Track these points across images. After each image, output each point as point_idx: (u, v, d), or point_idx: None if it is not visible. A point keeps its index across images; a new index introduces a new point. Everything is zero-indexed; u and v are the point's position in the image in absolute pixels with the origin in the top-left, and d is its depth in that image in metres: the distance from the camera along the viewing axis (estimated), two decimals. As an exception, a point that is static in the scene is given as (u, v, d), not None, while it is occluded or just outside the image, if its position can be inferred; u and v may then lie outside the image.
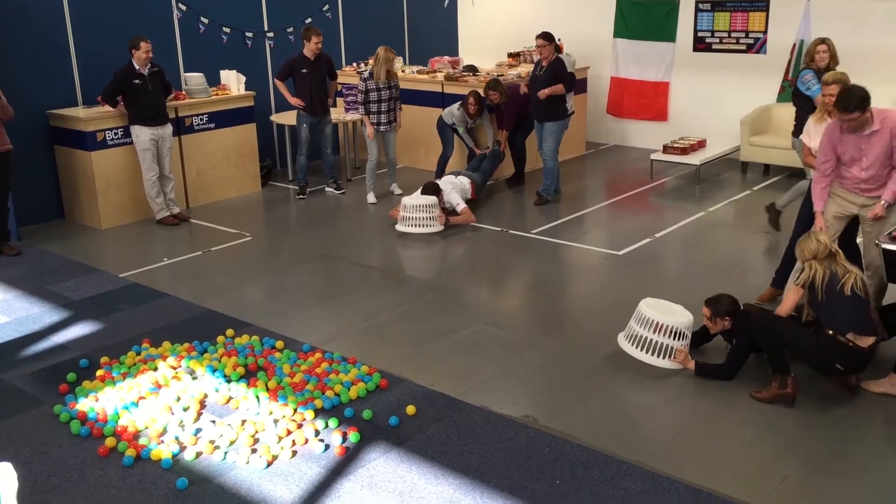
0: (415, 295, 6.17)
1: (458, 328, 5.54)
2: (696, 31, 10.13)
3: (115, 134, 7.83)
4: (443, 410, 4.50)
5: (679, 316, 4.98)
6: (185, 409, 4.54)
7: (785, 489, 3.78)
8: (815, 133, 5.44)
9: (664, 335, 4.90)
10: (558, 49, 8.26)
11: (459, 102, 8.66)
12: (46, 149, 7.99)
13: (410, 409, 4.47)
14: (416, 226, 7.50)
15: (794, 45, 9.35)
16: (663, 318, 4.92)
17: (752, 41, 9.75)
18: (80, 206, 8.05)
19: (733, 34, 9.86)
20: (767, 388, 4.52)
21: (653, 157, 9.56)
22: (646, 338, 4.95)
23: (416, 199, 7.58)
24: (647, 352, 4.94)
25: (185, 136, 8.42)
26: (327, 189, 9.09)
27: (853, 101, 4.75)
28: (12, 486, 2.11)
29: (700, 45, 10.15)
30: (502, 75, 9.59)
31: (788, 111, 9.34)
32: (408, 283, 6.47)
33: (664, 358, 4.91)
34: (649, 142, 10.62)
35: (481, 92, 8.60)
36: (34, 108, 7.77)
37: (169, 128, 7.94)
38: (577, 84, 8.62)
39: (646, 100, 10.73)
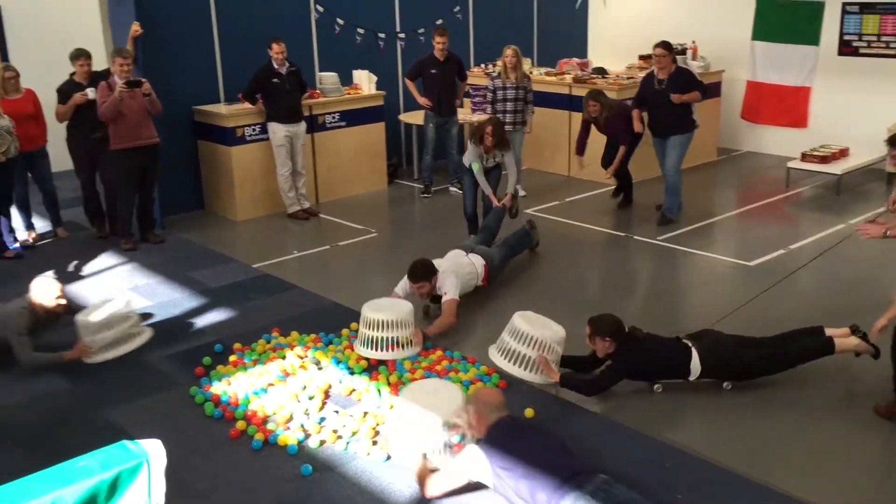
0: (537, 297, 6.14)
1: (579, 336, 5.47)
2: (842, 35, 9.62)
3: (254, 130, 8.18)
4: (561, 414, 4.47)
5: (548, 331, 4.77)
6: (311, 399, 4.69)
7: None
8: None
9: (535, 349, 4.70)
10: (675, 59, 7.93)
11: (476, 138, 7.05)
12: (190, 142, 8.44)
13: (529, 412, 4.46)
14: (380, 347, 5.10)
15: (952, 49, 8.75)
16: (535, 331, 4.71)
17: (904, 45, 9.18)
18: (219, 197, 8.46)
19: (883, 38, 9.30)
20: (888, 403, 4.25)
21: (790, 164, 9.15)
22: (517, 351, 4.74)
23: (382, 309, 5.19)
24: (518, 365, 4.74)
25: (318, 134, 8.71)
26: (451, 188, 9.18)
27: None
28: (161, 462, 2.25)
29: (846, 48, 9.64)
30: (632, 78, 9.42)
31: (943, 120, 8.80)
32: (530, 285, 6.45)
33: (534, 372, 4.71)
34: (786, 149, 10.16)
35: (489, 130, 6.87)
36: (180, 103, 8.21)
37: (303, 125, 8.23)
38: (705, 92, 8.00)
39: (784, 105, 10.28)
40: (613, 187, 8.56)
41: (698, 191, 8.82)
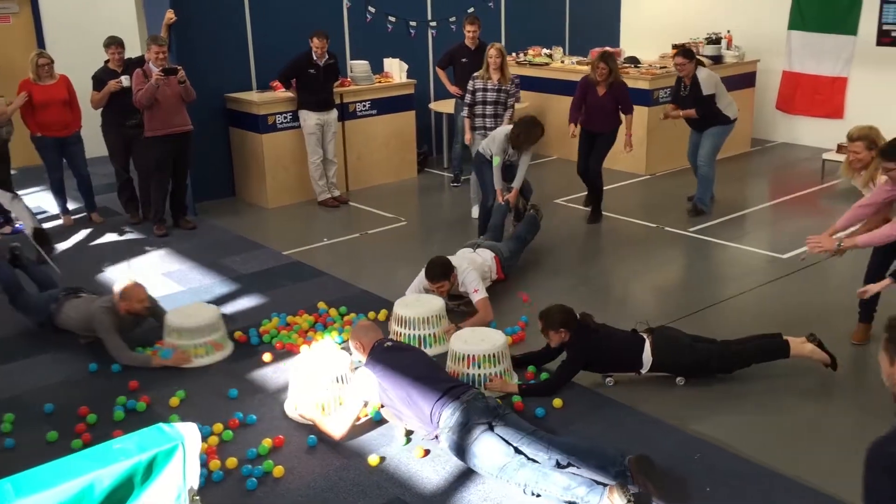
0: (567, 287, 6.13)
1: (608, 324, 5.45)
2: (880, 24, 9.44)
3: (285, 118, 8.22)
4: (590, 406, 4.47)
5: (487, 343, 4.59)
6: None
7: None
8: None
9: (482, 365, 4.53)
10: (700, 62, 7.83)
11: (510, 126, 6.94)
12: (222, 130, 8.51)
13: (557, 402, 4.46)
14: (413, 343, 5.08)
15: None
16: (473, 349, 4.55)
17: (945, 35, 8.99)
18: (250, 184, 8.53)
19: (924, 27, 9.13)
20: None
21: (825, 156, 9.02)
22: (467, 374, 4.54)
23: (413, 304, 5.23)
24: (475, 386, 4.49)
25: (349, 122, 8.73)
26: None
27: None
28: (196, 445, 2.28)
29: (885, 38, 9.46)
30: (665, 67, 9.32)
31: (984, 112, 8.62)
32: (560, 275, 6.43)
33: (483, 389, 4.47)
34: (821, 140, 10.02)
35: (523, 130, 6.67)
36: (213, 91, 8.27)
37: (334, 113, 8.25)
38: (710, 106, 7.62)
39: (821, 96, 10.13)
40: (587, 203, 7.97)
41: (731, 182, 8.73)
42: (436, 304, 5.20)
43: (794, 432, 4.23)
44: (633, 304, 5.93)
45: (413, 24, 9.75)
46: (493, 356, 4.58)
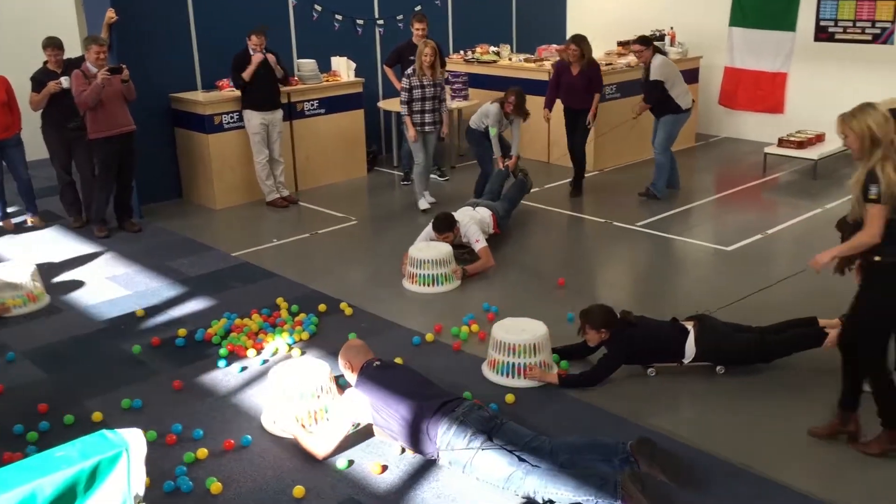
0: (517, 283, 6.17)
1: (559, 319, 5.51)
2: (818, 20, 9.69)
3: (231, 117, 8.12)
4: (543, 401, 4.50)
5: (527, 333, 4.70)
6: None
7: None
8: None
9: (520, 355, 4.64)
10: (659, 50, 8.11)
11: (496, 101, 7.80)
12: (167, 130, 8.37)
13: (510, 398, 4.49)
14: (427, 284, 6.07)
15: (926, 35, 8.84)
16: (512, 337, 4.67)
17: (878, 31, 9.25)
18: (197, 186, 8.40)
19: (858, 24, 9.38)
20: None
21: (767, 150, 9.23)
22: (506, 362, 4.68)
23: (426, 249, 6.19)
24: (513, 377, 4.65)
25: (297, 121, 8.66)
26: (431, 175, 9.16)
27: None
28: (142, 451, 2.24)
29: (822, 34, 9.71)
30: (610, 64, 9.44)
31: (917, 105, 8.89)
32: (509, 271, 6.47)
33: (522, 377, 4.64)
34: (763, 135, 10.25)
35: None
36: (157, 91, 8.13)
37: (279, 113, 8.17)
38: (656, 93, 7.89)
39: (761, 91, 10.35)
40: (571, 178, 8.51)
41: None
42: (445, 248, 6.18)
43: (742, 423, 4.32)
44: (586, 297, 5.99)
45: (360, 22, 9.71)
46: (534, 346, 4.67)
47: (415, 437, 3.89)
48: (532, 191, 8.10)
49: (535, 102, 9.49)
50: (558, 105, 8.33)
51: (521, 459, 3.68)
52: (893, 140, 3.68)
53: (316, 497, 3.75)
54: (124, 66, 7.10)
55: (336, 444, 4.01)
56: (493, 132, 7.74)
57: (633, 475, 3.52)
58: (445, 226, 6.40)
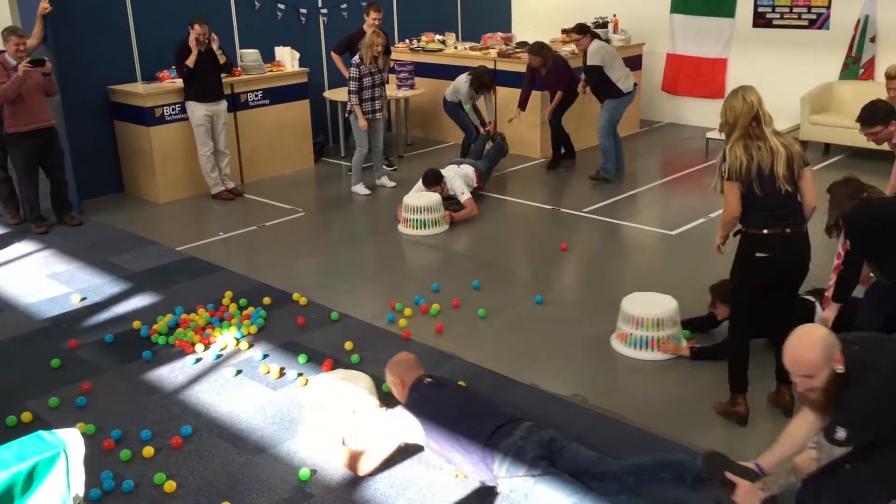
0: (465, 273, 6.18)
1: (508, 306, 5.54)
2: (756, 7, 9.86)
3: (173, 110, 7.96)
4: (493, 388, 4.52)
5: (658, 307, 4.86)
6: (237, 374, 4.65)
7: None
8: None
9: (649, 329, 4.80)
10: (598, 36, 8.38)
11: (466, 76, 8.61)
12: (107, 124, 8.17)
13: (461, 384, 4.50)
14: (419, 227, 6.95)
15: (859, 21, 9.05)
16: (643, 311, 4.82)
17: (814, 17, 9.46)
18: (139, 180, 8.23)
19: (795, 9, 9.58)
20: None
21: (708, 135, 9.38)
22: (639, 336, 4.83)
23: (418, 197, 7.05)
24: (636, 348, 4.84)
25: (241, 113, 8.53)
26: (383, 166, 9.12)
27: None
28: (80, 451, 2.19)
29: (760, 20, 9.89)
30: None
31: (850, 89, 9.12)
32: (458, 261, 6.48)
33: (654, 350, 4.81)
34: (705, 120, 10.40)
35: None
36: (95, 83, 7.94)
37: (223, 104, 8.04)
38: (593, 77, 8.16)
39: (703, 77, 10.52)
40: (549, 160, 8.94)
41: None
42: (435, 197, 7.03)
43: (689, 404, 4.40)
44: (533, 283, 6.04)
45: (304, 11, 9.59)
46: (662, 321, 4.80)
47: (471, 464, 3.61)
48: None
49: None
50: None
51: (584, 485, 3.43)
52: (755, 118, 3.93)
53: (266, 491, 3.72)
54: (46, 59, 6.90)
55: (379, 462, 3.79)
56: (466, 107, 8.67)
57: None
58: (433, 179, 7.20)
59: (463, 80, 8.62)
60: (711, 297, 4.92)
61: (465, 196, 7.25)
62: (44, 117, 7.01)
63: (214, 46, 7.72)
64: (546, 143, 9.27)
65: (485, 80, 8.58)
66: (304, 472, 3.80)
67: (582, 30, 8.15)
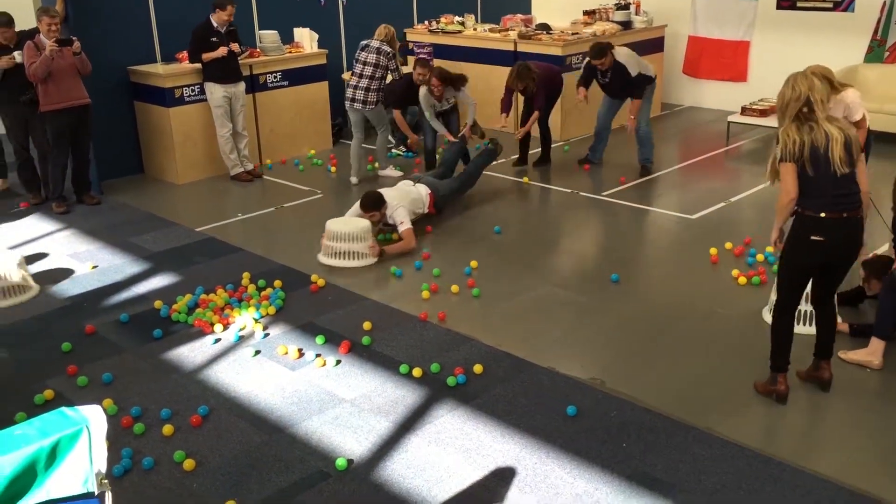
0: (483, 255, 6.16)
1: (527, 289, 5.53)
2: (780, -12, 9.75)
3: (192, 90, 7.97)
4: (510, 371, 4.52)
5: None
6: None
7: (857, 461, 3.71)
8: None
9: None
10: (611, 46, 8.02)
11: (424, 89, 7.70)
12: (126, 104, 8.19)
13: (478, 368, 4.50)
14: (340, 257, 6.01)
15: (885, 3, 8.91)
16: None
17: (840, -1, 9.33)
18: (158, 160, 8.26)
19: (820, -9, 9.45)
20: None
21: (730, 119, 9.29)
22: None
23: (343, 223, 6.12)
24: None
25: (259, 94, 8.53)
26: (394, 150, 9.10)
27: None
28: (102, 427, 2.21)
29: (784, 2, 9.75)
30: (576, 33, 9.41)
31: (876, 72, 8.99)
32: (476, 243, 6.46)
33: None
34: (727, 103, 10.30)
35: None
36: (115, 64, 7.96)
37: (242, 85, 8.04)
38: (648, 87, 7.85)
39: (725, 60, 10.40)
40: (518, 156, 8.41)
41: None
42: (362, 224, 6.10)
43: (705, 387, 4.38)
44: (551, 267, 6.02)
45: (323, -8, 9.56)
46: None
47: None
48: (498, 161, 8.09)
49: (500, 73, 9.38)
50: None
51: None
52: (806, 104, 3.89)
53: (285, 470, 3.74)
54: (75, 38, 6.93)
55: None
56: (427, 115, 7.76)
57: None
58: (371, 204, 6.23)
59: (420, 90, 7.73)
60: (864, 273, 4.89)
61: (403, 227, 6.24)
62: (77, 96, 7.06)
63: (236, 49, 7.75)
64: (567, 123, 9.21)
65: (453, 77, 7.66)
66: (341, 461, 3.76)
67: (601, 53, 7.58)
